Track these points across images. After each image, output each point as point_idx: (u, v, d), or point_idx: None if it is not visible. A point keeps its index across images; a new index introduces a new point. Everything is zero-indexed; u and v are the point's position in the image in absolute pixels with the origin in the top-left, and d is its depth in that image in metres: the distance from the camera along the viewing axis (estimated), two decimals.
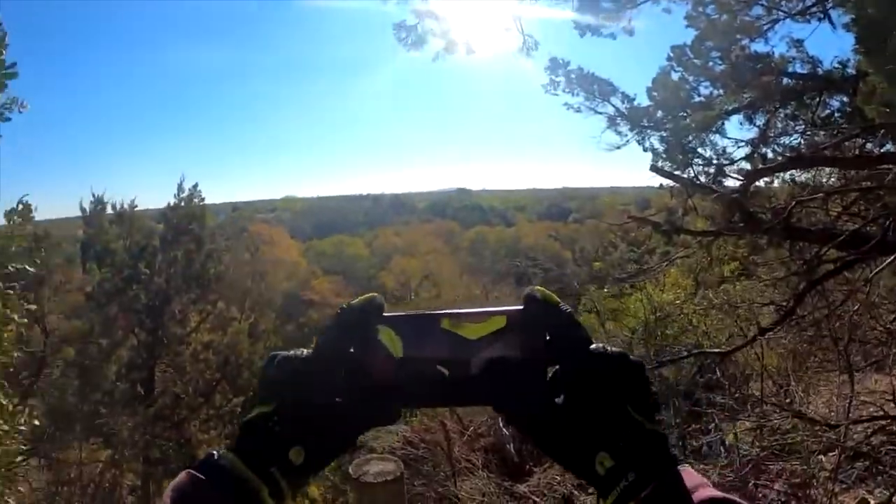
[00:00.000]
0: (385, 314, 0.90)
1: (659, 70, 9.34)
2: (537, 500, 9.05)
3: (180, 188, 17.16)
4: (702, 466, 8.31)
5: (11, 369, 3.38)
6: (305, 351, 0.90)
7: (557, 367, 0.87)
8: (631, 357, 0.86)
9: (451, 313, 0.90)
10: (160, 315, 16.07)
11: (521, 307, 0.90)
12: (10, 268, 3.25)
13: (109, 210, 16.87)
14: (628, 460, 0.80)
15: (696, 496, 0.76)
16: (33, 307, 12.71)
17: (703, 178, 9.24)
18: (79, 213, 16.79)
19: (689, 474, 0.80)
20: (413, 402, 0.99)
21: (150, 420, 14.32)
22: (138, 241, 16.54)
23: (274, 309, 24.29)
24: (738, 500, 0.77)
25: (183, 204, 17.11)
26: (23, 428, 3.22)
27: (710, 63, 8.99)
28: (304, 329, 35.75)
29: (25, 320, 3.11)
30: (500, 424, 12.37)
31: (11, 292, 3.25)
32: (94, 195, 16.81)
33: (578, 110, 9.72)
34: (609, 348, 0.86)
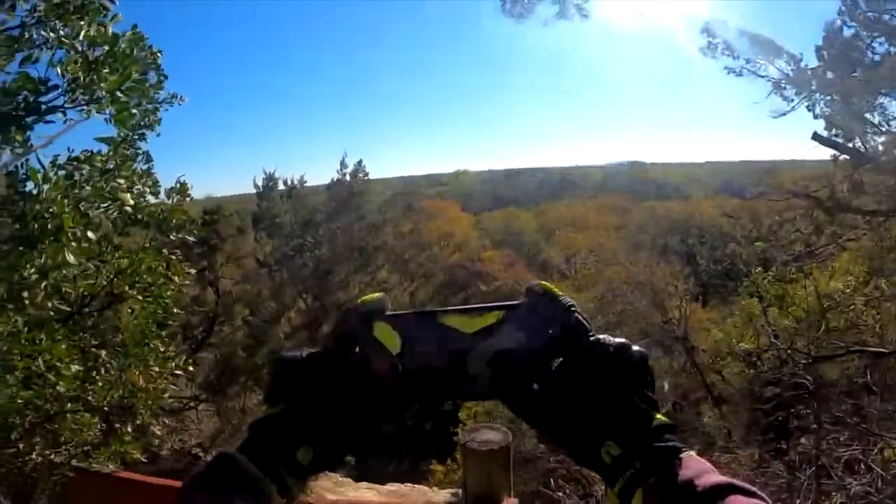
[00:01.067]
0: (387, 313, 0.92)
1: (827, 25, 8.54)
2: None
3: (343, 164, 18.26)
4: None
5: (170, 322, 3.82)
6: (313, 352, 0.93)
7: (561, 359, 0.89)
8: (633, 347, 0.88)
9: (450, 310, 0.92)
10: (325, 282, 17.09)
11: (519, 301, 0.92)
12: (171, 237, 3.68)
13: (281, 186, 18.13)
14: (635, 448, 0.82)
15: (702, 482, 0.77)
16: (202, 269, 13.69)
17: (874, 148, 8.48)
18: (254, 190, 18.19)
19: (696, 461, 0.81)
20: (419, 400, 0.94)
21: None
22: (304, 214, 17.70)
23: (436, 279, 24.84)
24: (744, 485, 0.78)
25: (348, 179, 18.13)
26: (178, 372, 3.60)
27: (887, 16, 8.08)
28: (470, 300, 35.61)
29: (188, 282, 3.45)
30: None
31: (174, 258, 3.69)
32: (265, 172, 18.15)
33: (740, 74, 9.21)
34: (611, 339, 0.89)
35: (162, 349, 3.66)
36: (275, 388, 0.91)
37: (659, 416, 0.85)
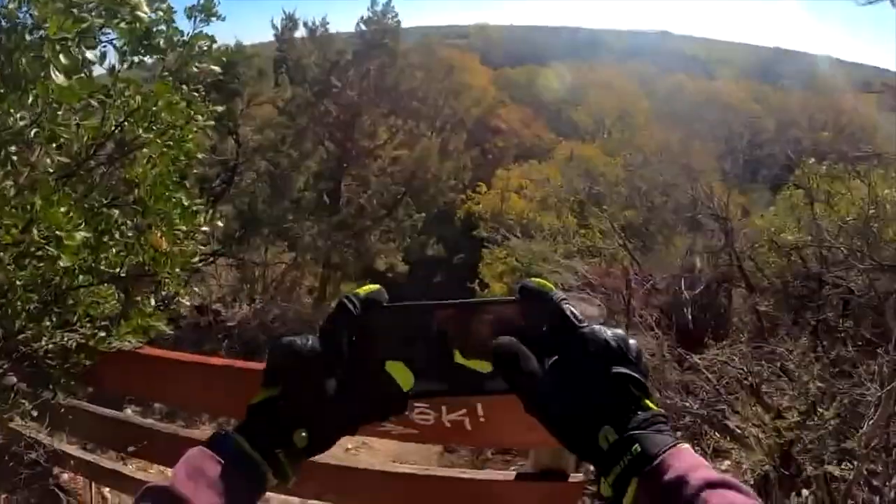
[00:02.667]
0: (385, 305, 0.93)
1: None
2: (710, 376, 8.21)
3: (374, 2, 16.55)
4: None
5: (195, 171, 3.02)
6: (311, 338, 0.91)
7: (556, 355, 0.89)
8: (628, 338, 0.88)
9: (448, 305, 0.93)
10: (350, 128, 16.04)
11: (514, 298, 0.92)
12: (194, 68, 2.74)
13: (302, 30, 16.76)
14: (632, 435, 0.81)
15: (696, 476, 0.74)
16: (221, 117, 12.94)
17: None
18: (271, 38, 16.93)
19: (690, 454, 0.79)
20: (422, 394, 0.94)
21: (332, 228, 14.66)
22: (330, 57, 16.30)
23: (464, 130, 23.76)
24: (737, 482, 0.75)
25: (377, 18, 16.54)
26: (205, 229, 2.80)
27: None
28: (487, 156, 35.51)
29: (211, 122, 2.63)
30: (681, 286, 11.52)
31: (196, 94, 2.76)
32: (285, 13, 16.69)
33: None
34: (605, 330, 0.87)
35: (186, 203, 2.84)
36: (272, 370, 0.92)
37: (651, 404, 0.85)
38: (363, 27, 16.57)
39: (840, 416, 6.09)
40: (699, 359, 8.35)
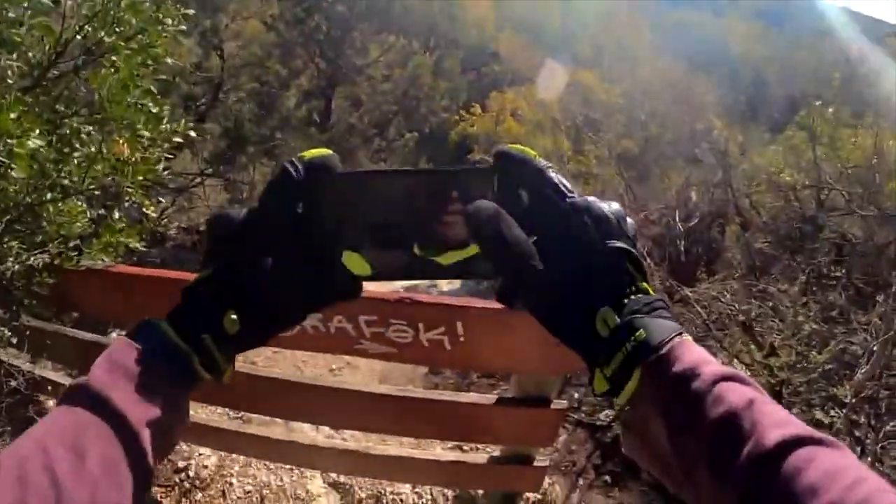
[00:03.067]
0: (340, 171, 0.77)
1: None
2: (700, 310, 7.95)
3: None
4: None
5: (163, 77, 2.73)
6: (249, 209, 0.79)
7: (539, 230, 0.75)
8: (626, 215, 0.77)
9: (412, 172, 0.78)
10: (341, 45, 15.38)
11: (489, 167, 0.78)
12: None
13: None
14: (635, 319, 0.69)
15: (707, 370, 0.65)
16: (204, 32, 12.39)
17: None
18: None
19: (695, 346, 0.70)
20: (380, 276, 0.78)
21: (322, 146, 14.13)
22: None
23: (459, 50, 22.98)
24: (746, 377, 0.67)
25: None
26: (178, 140, 2.73)
27: None
28: (483, 80, 35.13)
29: (183, 27, 2.60)
30: (675, 218, 11.22)
31: None
32: None
33: None
34: (597, 201, 0.76)
35: (153, 109, 2.70)
36: (209, 249, 0.80)
37: (650, 288, 0.74)
38: None
39: (831, 362, 5.93)
40: (690, 292, 8.08)
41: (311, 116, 15.16)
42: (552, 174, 0.77)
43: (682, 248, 10.76)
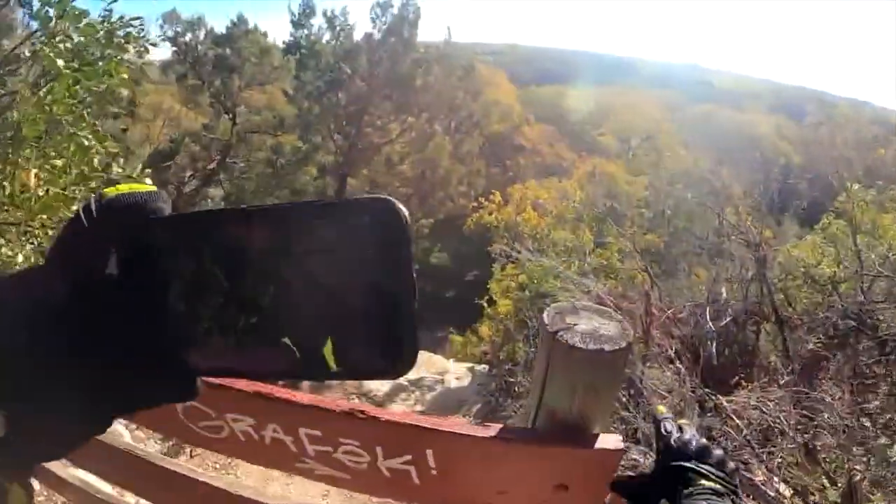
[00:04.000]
0: (166, 215, 0.54)
1: None
2: (738, 422, 6.86)
3: None
4: None
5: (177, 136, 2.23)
6: (27, 270, 0.57)
7: None
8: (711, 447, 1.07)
9: (256, 211, 0.51)
10: (359, 121, 14.85)
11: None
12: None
13: (320, 17, 15.46)
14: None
15: None
16: (217, 94, 12.02)
17: None
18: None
19: None
20: (215, 371, 0.56)
21: None
22: (346, 45, 15.07)
23: (479, 133, 22.58)
24: None
25: (393, 2, 15.04)
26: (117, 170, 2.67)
27: None
28: (508, 173, 35.06)
29: (150, 61, 2.14)
30: (705, 317, 10.23)
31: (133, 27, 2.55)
32: None
33: None
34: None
35: (87, 141, 2.39)
36: None
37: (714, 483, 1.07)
38: (378, 11, 15.11)
39: None
40: (727, 401, 7.04)
41: (325, 193, 14.57)
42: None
43: (715, 351, 9.72)
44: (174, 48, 11.99)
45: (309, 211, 0.51)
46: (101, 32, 2.54)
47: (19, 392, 0.51)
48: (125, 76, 2.68)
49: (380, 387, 12.28)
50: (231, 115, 12.15)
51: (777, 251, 12.24)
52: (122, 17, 2.72)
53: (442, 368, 15.39)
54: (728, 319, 10.34)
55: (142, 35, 2.80)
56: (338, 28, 15.09)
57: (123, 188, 0.54)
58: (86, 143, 2.45)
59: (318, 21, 15.47)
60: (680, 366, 8.56)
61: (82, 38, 2.52)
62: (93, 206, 0.52)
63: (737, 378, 8.98)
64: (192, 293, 0.53)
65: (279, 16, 16.64)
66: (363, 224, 0.50)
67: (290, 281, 0.51)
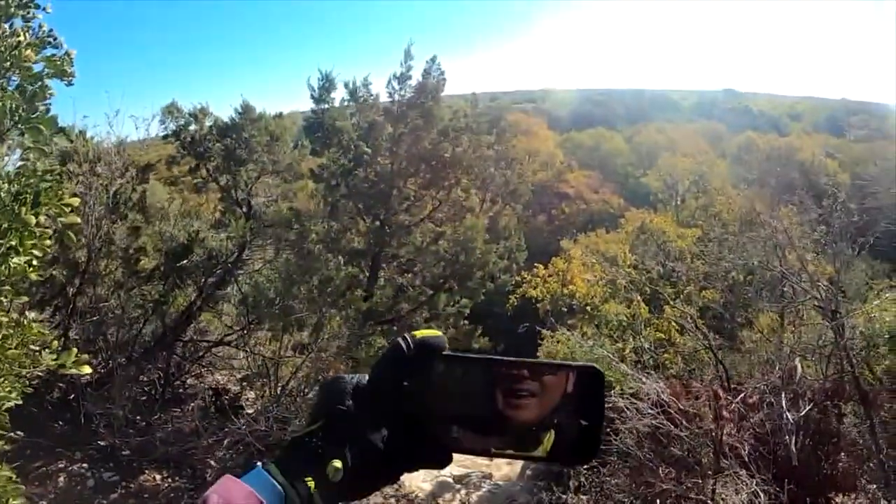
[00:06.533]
0: (446, 353, 0.88)
1: None
2: None
3: (408, 54, 13.77)
4: None
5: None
6: (360, 376, 0.90)
7: None
8: None
9: (513, 362, 0.88)
10: (387, 200, 13.55)
11: (578, 367, 0.88)
12: None
13: (342, 90, 14.43)
14: None
15: None
16: (226, 188, 11.05)
17: None
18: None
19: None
20: (468, 450, 0.90)
21: (363, 315, 12.11)
22: (367, 117, 13.93)
23: (522, 202, 21.25)
24: None
25: (412, 74, 13.85)
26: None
27: None
28: (554, 222, 33.83)
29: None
30: (781, 403, 8.37)
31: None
32: (321, 72, 14.45)
33: None
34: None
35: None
36: (318, 405, 0.90)
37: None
38: (395, 85, 13.93)
39: None
40: None
41: (358, 279, 13.26)
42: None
43: (794, 448, 7.85)
44: (178, 142, 10.91)
45: (549, 366, 0.88)
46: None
47: (356, 453, 0.81)
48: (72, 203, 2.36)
49: (422, 485, 11.23)
50: (245, 209, 11.03)
51: (854, 311, 10.31)
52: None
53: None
54: (808, 407, 8.48)
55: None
56: (361, 99, 13.90)
57: (423, 332, 0.86)
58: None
59: (339, 94, 14.56)
60: (754, 480, 6.94)
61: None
62: (410, 342, 0.84)
63: (818, 477, 7.41)
64: (459, 403, 0.86)
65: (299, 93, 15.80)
66: (582, 380, 0.84)
67: (525, 402, 0.85)
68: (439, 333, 0.87)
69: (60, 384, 9.39)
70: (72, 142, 8.84)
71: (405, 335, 0.86)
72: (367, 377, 0.87)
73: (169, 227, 10.29)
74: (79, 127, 9.46)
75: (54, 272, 9.09)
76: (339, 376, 0.88)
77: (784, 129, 59.75)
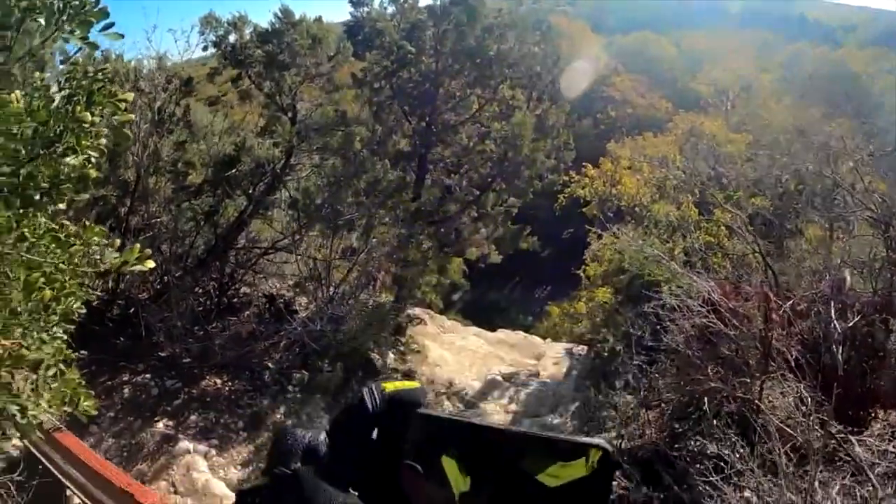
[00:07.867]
0: (421, 411, 0.80)
1: None
2: (878, 461, 4.62)
3: None
4: None
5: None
6: (315, 432, 0.82)
7: None
8: None
9: (491, 430, 0.82)
10: (433, 100, 13.22)
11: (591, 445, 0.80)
12: None
13: None
14: None
15: None
16: (271, 94, 10.88)
17: None
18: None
19: None
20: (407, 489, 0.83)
21: (411, 216, 12.06)
22: (409, 17, 13.52)
23: (568, 102, 20.67)
24: None
25: None
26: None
27: None
28: (599, 126, 32.88)
29: (127, 117, 2.13)
30: (829, 312, 8.12)
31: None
32: None
33: None
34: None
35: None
36: (269, 461, 0.84)
37: None
38: None
39: None
40: (856, 439, 4.94)
41: (405, 181, 13.11)
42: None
43: (840, 358, 7.61)
44: (219, 52, 10.65)
45: (538, 441, 0.77)
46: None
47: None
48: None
49: (472, 383, 11.56)
50: (290, 115, 10.83)
51: None
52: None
53: (538, 352, 14.56)
54: (856, 319, 8.23)
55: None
56: (401, 1, 13.40)
57: (397, 386, 0.79)
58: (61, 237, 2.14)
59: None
60: (800, 384, 6.77)
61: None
62: (376, 396, 0.76)
63: (861, 390, 7.22)
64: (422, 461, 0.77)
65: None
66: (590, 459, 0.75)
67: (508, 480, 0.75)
68: (417, 385, 0.81)
69: (120, 301, 9.70)
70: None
71: (373, 387, 0.80)
72: (321, 431, 0.81)
73: (215, 141, 10.22)
74: (115, 51, 9.38)
75: (105, 192, 9.15)
76: (290, 432, 0.81)
77: (837, 40, 56.62)
